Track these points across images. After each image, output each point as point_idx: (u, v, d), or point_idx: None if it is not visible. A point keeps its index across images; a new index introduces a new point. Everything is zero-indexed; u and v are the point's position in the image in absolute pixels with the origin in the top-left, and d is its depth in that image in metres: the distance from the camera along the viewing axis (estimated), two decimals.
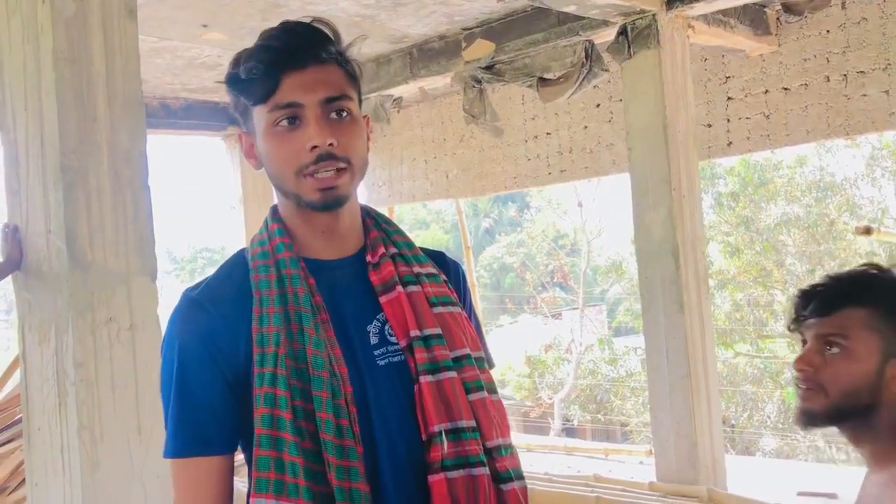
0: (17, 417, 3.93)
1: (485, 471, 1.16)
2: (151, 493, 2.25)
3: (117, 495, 2.19)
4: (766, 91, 5.32)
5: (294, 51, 1.17)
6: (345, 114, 1.19)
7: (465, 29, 5.20)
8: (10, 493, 3.82)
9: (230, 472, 1.18)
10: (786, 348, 11.87)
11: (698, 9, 4.40)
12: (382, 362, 1.20)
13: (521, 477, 1.22)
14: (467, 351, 1.23)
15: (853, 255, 11.17)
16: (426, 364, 1.19)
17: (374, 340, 1.21)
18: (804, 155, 11.98)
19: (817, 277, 1.57)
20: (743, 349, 12.41)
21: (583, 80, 4.85)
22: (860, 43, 4.90)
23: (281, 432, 1.11)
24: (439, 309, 1.24)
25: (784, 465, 7.02)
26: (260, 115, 1.20)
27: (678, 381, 4.38)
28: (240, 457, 1.21)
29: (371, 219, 1.31)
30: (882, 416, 1.38)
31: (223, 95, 1.27)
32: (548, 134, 6.58)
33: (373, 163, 7.78)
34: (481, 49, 5.14)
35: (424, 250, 1.34)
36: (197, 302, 1.19)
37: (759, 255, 12.20)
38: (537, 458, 6.45)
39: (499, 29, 5.04)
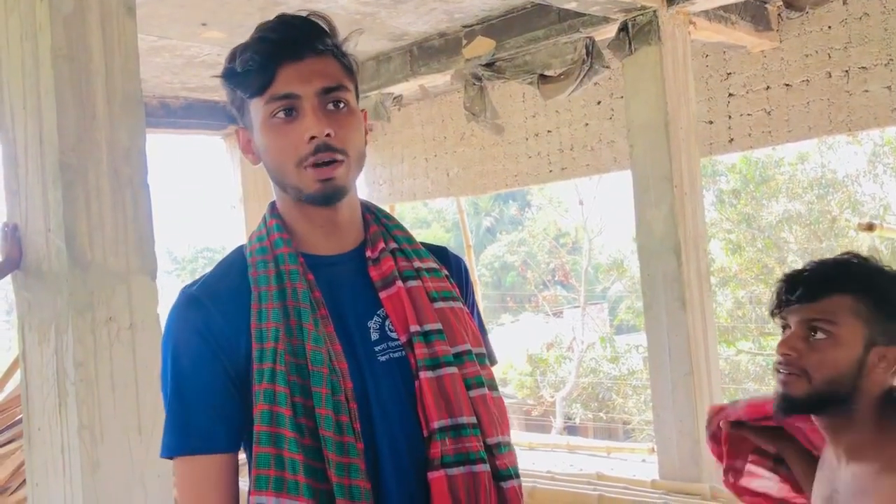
0: (17, 418, 3.93)
1: (485, 468, 1.16)
2: (152, 493, 2.24)
3: (118, 495, 2.19)
4: (768, 87, 5.31)
5: (290, 42, 1.16)
6: (342, 105, 1.18)
7: (465, 26, 5.19)
8: (12, 493, 3.82)
9: (235, 470, 1.16)
10: None
11: (699, 5, 4.39)
12: (383, 358, 1.19)
13: (518, 475, 1.21)
14: (468, 346, 1.22)
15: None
16: (426, 360, 1.18)
17: (374, 336, 1.20)
18: (806, 151, 11.97)
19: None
20: (745, 346, 12.41)
21: (584, 77, 4.84)
22: (862, 38, 4.88)
23: (280, 429, 1.10)
24: (440, 304, 1.23)
25: None
26: (257, 107, 1.19)
27: (680, 379, 4.37)
28: (242, 456, 1.20)
29: (371, 214, 1.31)
30: (861, 405, 1.39)
31: (223, 94, 1.26)
32: (549, 131, 6.56)
33: (373, 161, 7.78)
34: (482, 46, 5.13)
35: (426, 245, 1.33)
36: (195, 298, 1.18)
37: (760, 253, 12.20)
38: (539, 456, 6.43)
39: (499, 26, 5.03)
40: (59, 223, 2.18)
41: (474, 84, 5.41)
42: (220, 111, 6.62)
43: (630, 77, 4.55)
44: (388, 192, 7.83)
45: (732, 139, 5.52)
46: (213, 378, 1.14)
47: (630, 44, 4.48)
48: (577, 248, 17.79)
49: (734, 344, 12.22)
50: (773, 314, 1.49)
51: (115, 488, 2.18)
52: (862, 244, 11.04)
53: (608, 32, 4.63)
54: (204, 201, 37.96)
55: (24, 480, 2.87)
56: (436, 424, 1.15)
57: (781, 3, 5.04)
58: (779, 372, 1.44)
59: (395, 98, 6.26)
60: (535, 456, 6.41)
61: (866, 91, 4.89)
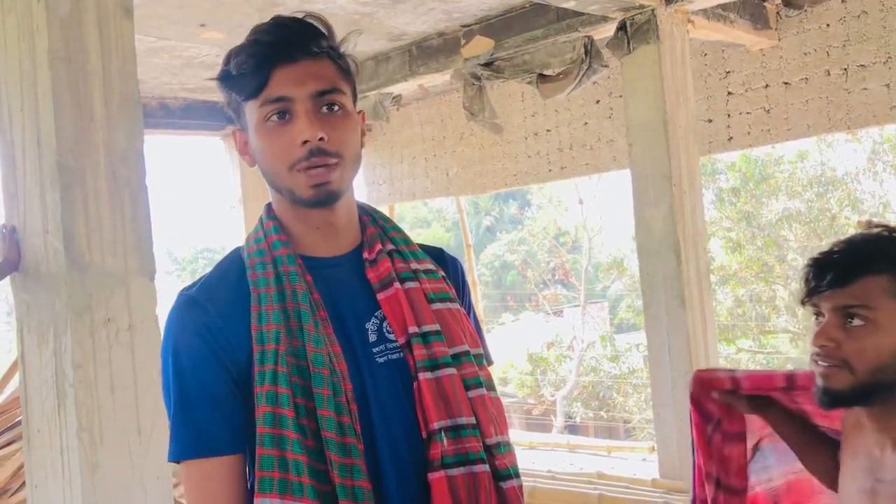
0: (17, 420, 3.93)
1: (485, 468, 1.16)
2: (152, 495, 2.23)
3: (117, 497, 2.18)
4: (767, 85, 5.31)
5: (284, 44, 1.16)
6: (336, 107, 1.18)
7: (463, 26, 5.18)
8: (12, 495, 3.81)
9: (242, 472, 1.16)
10: (788, 344, 11.86)
11: (697, 3, 4.39)
12: (381, 360, 1.19)
13: (518, 475, 1.21)
14: (466, 347, 1.22)
15: None
16: (425, 361, 1.18)
17: (372, 338, 1.20)
18: (805, 150, 11.96)
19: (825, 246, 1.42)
20: (745, 345, 12.41)
21: (582, 76, 4.84)
22: (860, 36, 4.88)
23: (284, 430, 1.09)
24: (437, 305, 1.23)
25: None
26: (251, 110, 1.19)
27: (680, 378, 4.36)
28: None
29: (368, 215, 1.30)
30: None
31: (221, 95, 1.26)
32: (548, 131, 6.56)
33: (373, 161, 7.78)
34: (480, 46, 5.12)
35: (423, 247, 1.33)
36: (195, 300, 1.18)
37: (760, 251, 12.19)
38: (540, 455, 6.43)
39: (498, 26, 5.03)
40: (58, 225, 2.17)
41: (473, 84, 5.41)
42: (219, 112, 6.62)
43: (629, 76, 4.55)
44: (387, 191, 7.83)
45: (731, 138, 5.52)
46: (216, 380, 1.14)
47: (629, 43, 4.48)
48: (578, 246, 17.78)
49: (734, 342, 12.22)
50: (802, 302, 1.38)
51: (115, 490, 2.18)
52: None
53: (607, 31, 4.63)
54: (203, 202, 37.95)
55: (24, 482, 2.87)
56: (435, 425, 1.15)
57: (780, 1, 5.04)
58: (817, 364, 1.33)
59: (394, 98, 6.25)
60: (535, 455, 6.41)
61: (865, 89, 4.88)
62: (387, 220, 1.32)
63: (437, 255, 1.35)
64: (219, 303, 1.17)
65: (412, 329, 1.19)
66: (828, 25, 5.01)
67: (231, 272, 1.22)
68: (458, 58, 5.28)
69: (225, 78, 1.20)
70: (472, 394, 1.19)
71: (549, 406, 14.16)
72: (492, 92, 5.71)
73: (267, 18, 1.19)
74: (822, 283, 1.33)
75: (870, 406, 1.35)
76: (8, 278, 2.37)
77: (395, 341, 1.20)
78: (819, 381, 1.33)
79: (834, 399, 1.32)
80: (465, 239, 9.12)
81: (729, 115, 5.50)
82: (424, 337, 1.19)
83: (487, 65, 5.24)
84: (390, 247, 1.27)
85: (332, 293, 1.20)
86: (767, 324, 12.14)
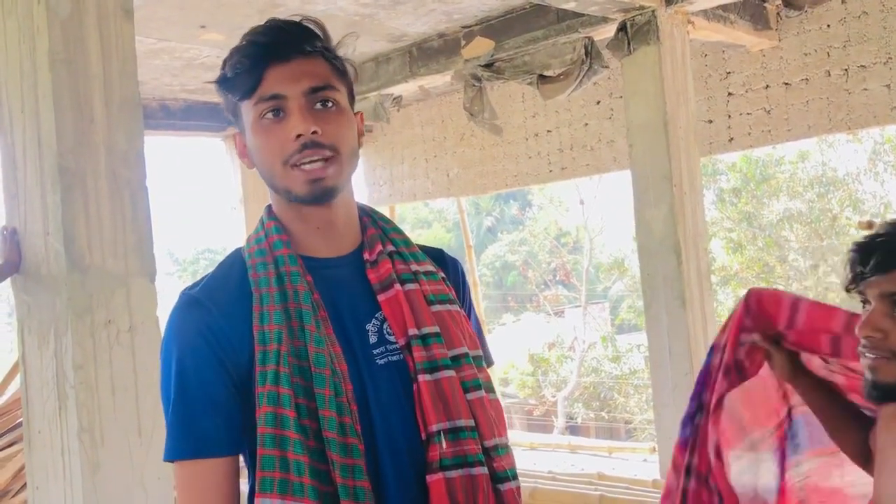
0: (18, 421, 3.93)
1: (483, 470, 1.16)
2: (152, 495, 2.24)
3: (118, 497, 2.18)
4: (767, 86, 5.31)
5: (278, 45, 1.17)
6: (330, 104, 1.18)
7: (464, 27, 5.19)
8: (13, 496, 3.82)
9: (236, 473, 1.16)
10: None
11: (698, 4, 4.39)
12: (381, 361, 1.19)
13: (516, 477, 1.21)
14: (465, 350, 1.22)
15: None
16: (424, 363, 1.18)
17: (373, 339, 1.20)
18: (806, 150, 11.96)
19: (848, 250, 1.34)
20: None
21: (583, 77, 4.84)
22: (861, 37, 4.88)
23: (285, 431, 1.09)
24: (437, 307, 1.23)
25: None
26: (247, 110, 1.20)
27: (681, 378, 4.36)
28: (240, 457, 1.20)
29: (368, 217, 1.31)
30: None
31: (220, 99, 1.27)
32: (548, 131, 6.56)
33: (373, 162, 7.78)
34: (481, 47, 5.12)
35: (423, 248, 1.33)
36: (197, 300, 1.18)
37: (761, 251, 12.19)
38: (541, 456, 6.42)
39: (498, 26, 5.03)
40: (58, 226, 2.18)
41: (474, 85, 5.41)
42: (219, 113, 6.62)
43: (629, 77, 4.55)
44: (388, 192, 7.83)
45: (732, 138, 5.51)
46: (216, 380, 1.14)
47: (629, 43, 4.48)
48: (578, 247, 17.79)
49: None
50: (848, 290, 1.32)
51: (116, 491, 2.18)
52: None
53: (607, 32, 4.63)
54: (204, 203, 37.96)
55: (25, 483, 2.88)
56: (434, 427, 1.15)
57: (780, 2, 5.04)
58: (864, 356, 1.26)
59: (394, 99, 6.26)
60: (536, 456, 6.40)
61: (865, 89, 4.88)
62: (387, 221, 1.32)
63: (438, 256, 1.35)
64: (221, 303, 1.17)
65: (412, 331, 1.19)
66: (828, 26, 5.01)
67: (233, 273, 1.22)
68: (459, 59, 5.28)
69: (222, 80, 1.21)
70: (470, 396, 1.19)
71: (550, 407, 14.16)
72: (492, 93, 5.71)
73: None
74: (867, 269, 1.26)
75: None
76: (9, 280, 2.37)
77: (396, 343, 1.20)
78: (867, 374, 1.27)
79: (884, 393, 1.25)
80: (466, 239, 9.13)
81: (729, 116, 5.50)
82: (424, 339, 1.19)
83: (488, 66, 5.24)
84: (391, 248, 1.27)
85: (333, 294, 1.20)
86: None
